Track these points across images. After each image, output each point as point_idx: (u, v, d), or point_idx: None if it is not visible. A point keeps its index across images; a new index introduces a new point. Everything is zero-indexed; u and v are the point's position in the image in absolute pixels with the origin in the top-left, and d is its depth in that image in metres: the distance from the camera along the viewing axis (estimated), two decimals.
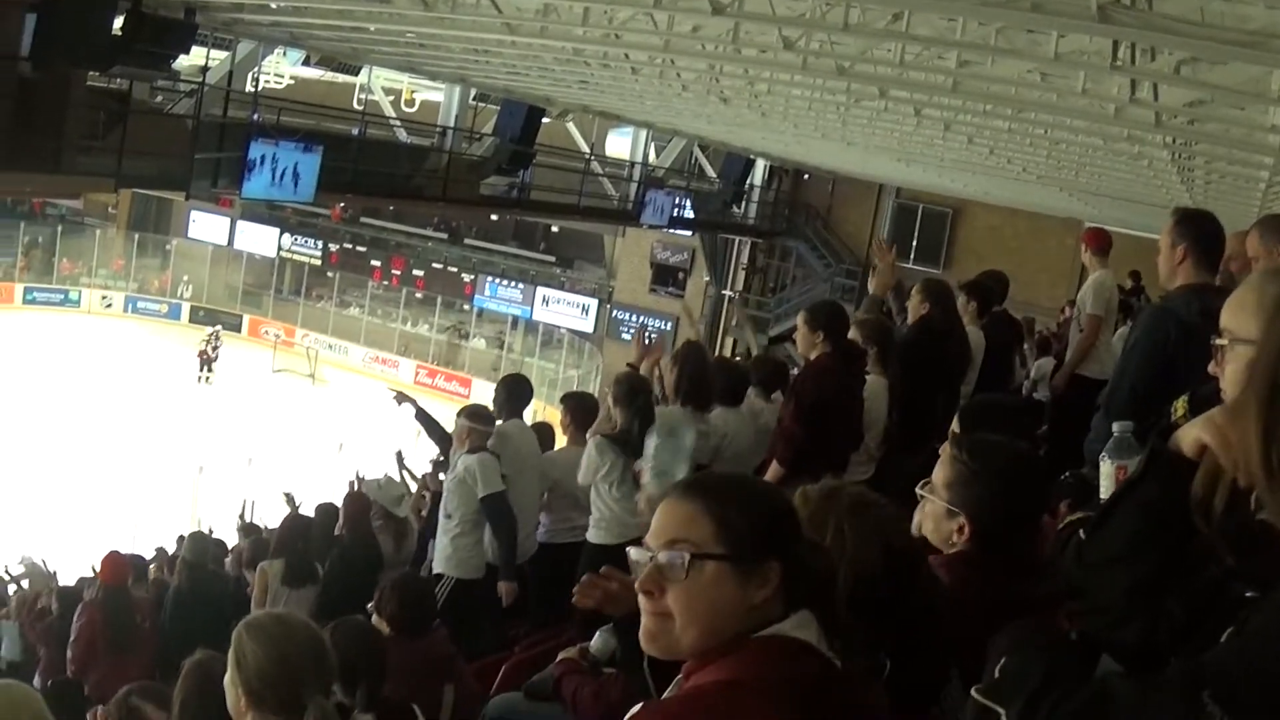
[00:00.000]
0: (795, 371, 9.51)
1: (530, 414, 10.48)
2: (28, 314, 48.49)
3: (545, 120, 26.50)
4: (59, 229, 51.96)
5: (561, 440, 10.57)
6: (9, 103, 13.40)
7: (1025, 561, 3.90)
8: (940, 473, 3.92)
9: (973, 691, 2.56)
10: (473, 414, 9.34)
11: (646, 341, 9.73)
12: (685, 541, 2.54)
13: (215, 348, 42.83)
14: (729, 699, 2.43)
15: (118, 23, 14.78)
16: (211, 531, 20.13)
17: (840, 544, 3.27)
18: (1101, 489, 3.83)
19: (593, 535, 8.63)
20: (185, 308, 50.94)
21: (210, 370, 42.35)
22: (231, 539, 18.10)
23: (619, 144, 34.07)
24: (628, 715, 2.58)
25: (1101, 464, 3.88)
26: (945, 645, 3.35)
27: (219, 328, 44.33)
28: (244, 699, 3.90)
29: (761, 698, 2.41)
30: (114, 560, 12.31)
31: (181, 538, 13.43)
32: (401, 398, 11.04)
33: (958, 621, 3.39)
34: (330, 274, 50.51)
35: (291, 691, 3.84)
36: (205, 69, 19.66)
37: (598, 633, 5.70)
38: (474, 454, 8.96)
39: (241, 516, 21.08)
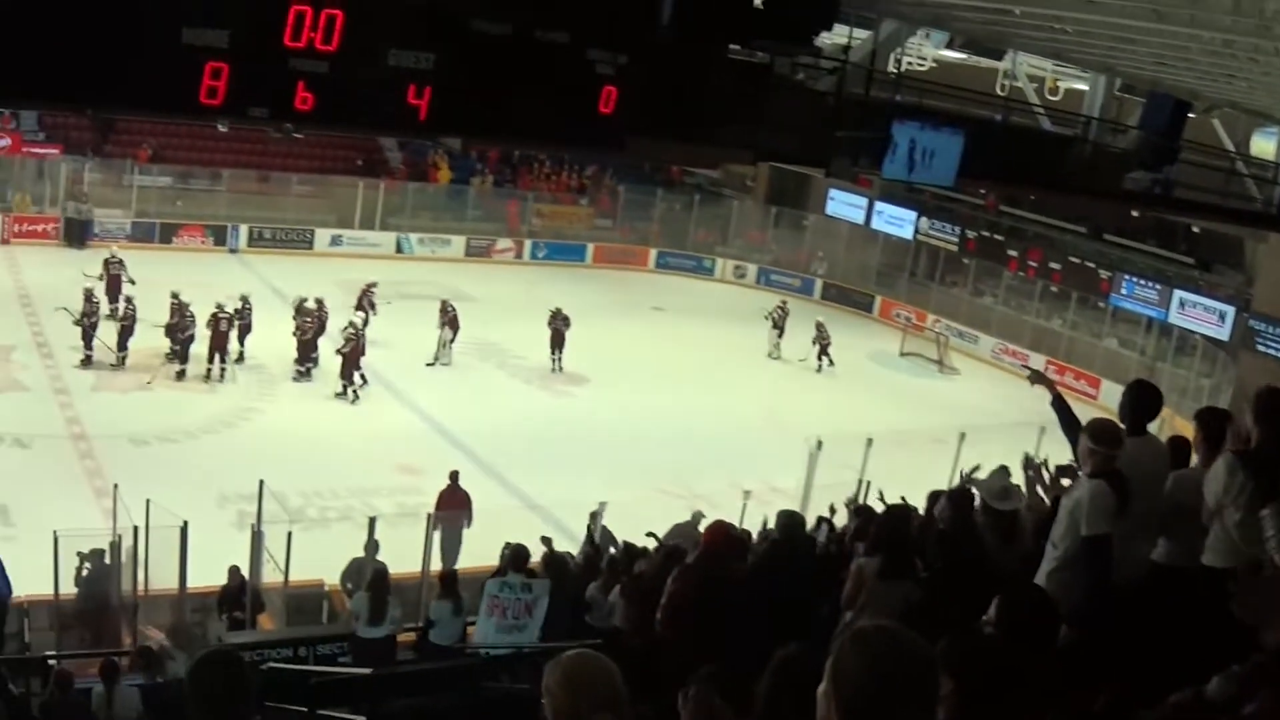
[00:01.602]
0: None
1: (1157, 423, 9.49)
2: (660, 277, 50.56)
3: (1190, 115, 25.15)
4: (696, 198, 53.79)
5: (1194, 457, 9.46)
6: (649, 70, 13.53)
7: None
8: None
9: None
10: (1096, 432, 8.16)
11: None
12: None
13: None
14: None
15: None
16: (833, 512, 20.20)
17: None
18: None
19: (1205, 557, 7.82)
20: (818, 284, 51.63)
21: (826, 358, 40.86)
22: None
23: (1265, 144, 32.09)
24: None
25: None
26: None
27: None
28: (835, 713, 3.55)
29: None
30: (717, 528, 12.30)
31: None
32: (1038, 378, 10.22)
33: None
34: (966, 260, 49.69)
35: (890, 714, 3.48)
36: (848, 47, 19.59)
37: (1215, 679, 5.04)
38: (1093, 479, 7.96)
39: (855, 499, 20.94)
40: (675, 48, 14.02)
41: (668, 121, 14.49)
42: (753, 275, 52.62)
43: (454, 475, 23.45)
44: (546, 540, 18.53)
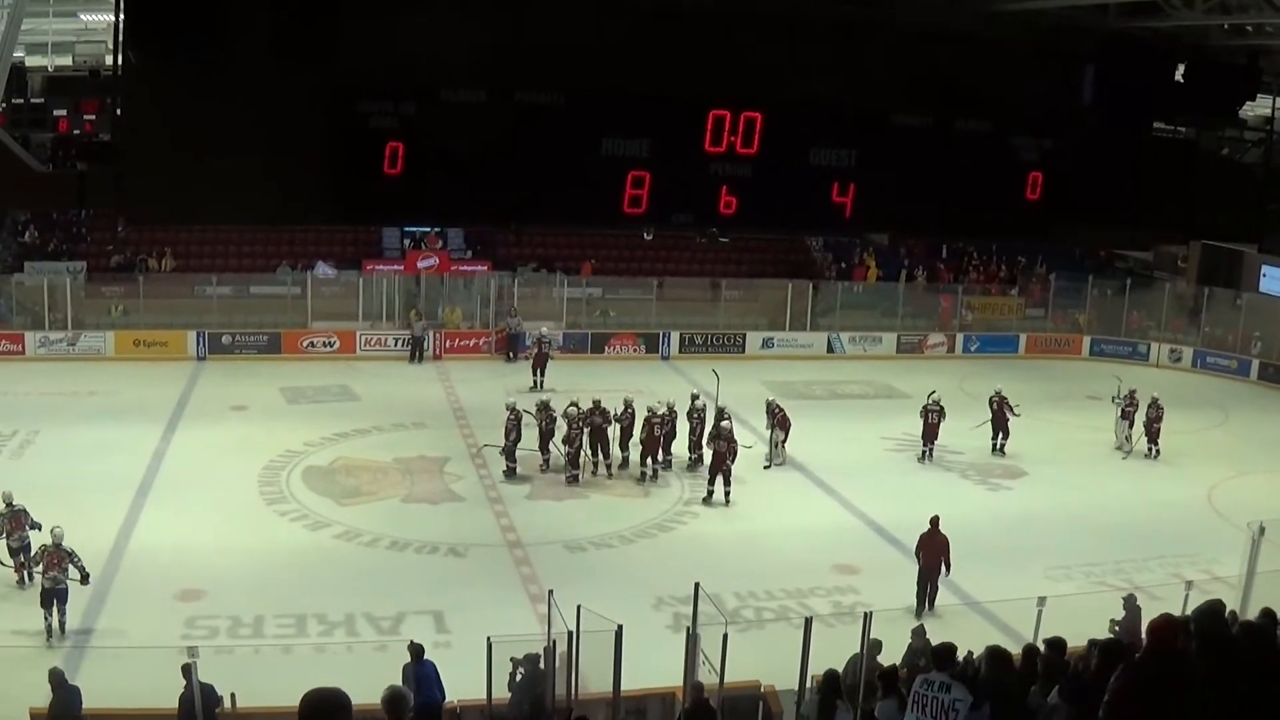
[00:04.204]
0: None
1: None
2: (1094, 365, 49.17)
3: None
4: (1128, 282, 52.33)
5: None
6: (1075, 153, 13.18)
7: None
8: None
9: None
10: None
11: None
12: None
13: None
14: None
15: (1179, 71, 14.36)
16: None
17: None
18: None
19: None
20: (1254, 365, 49.35)
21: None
22: None
23: None
24: None
25: None
26: None
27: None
28: None
29: None
30: (1165, 623, 11.70)
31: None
32: None
33: None
34: None
35: None
36: (1272, 116, 18.79)
37: None
38: None
39: None
40: (1099, 129, 13.68)
41: (1096, 204, 14.14)
42: (1188, 358, 50.80)
43: (934, 520, 25.01)
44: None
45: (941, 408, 35.46)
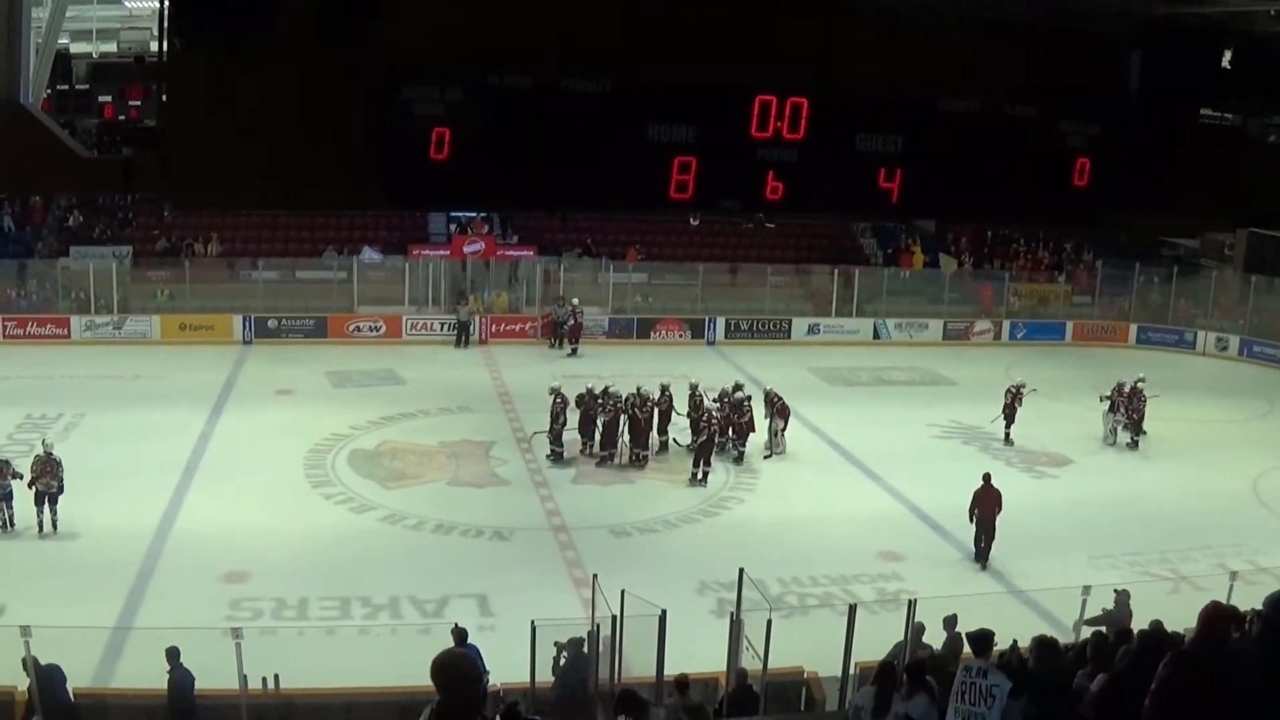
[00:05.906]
0: None
1: None
2: (1140, 353, 48.82)
3: None
4: (1175, 269, 51.97)
5: None
6: (1122, 140, 13.11)
7: None
8: None
9: None
10: None
11: None
12: None
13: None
14: None
15: (1226, 57, 14.25)
16: None
17: None
18: None
19: None
20: None
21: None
22: None
23: None
24: None
25: None
26: None
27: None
28: None
29: None
30: (1213, 610, 11.49)
31: None
32: None
33: None
34: None
35: None
36: None
37: None
38: None
39: None
40: (1146, 115, 13.58)
41: (1143, 191, 14.04)
42: (1235, 347, 50.30)
43: (986, 476, 26.94)
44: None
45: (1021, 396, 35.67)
